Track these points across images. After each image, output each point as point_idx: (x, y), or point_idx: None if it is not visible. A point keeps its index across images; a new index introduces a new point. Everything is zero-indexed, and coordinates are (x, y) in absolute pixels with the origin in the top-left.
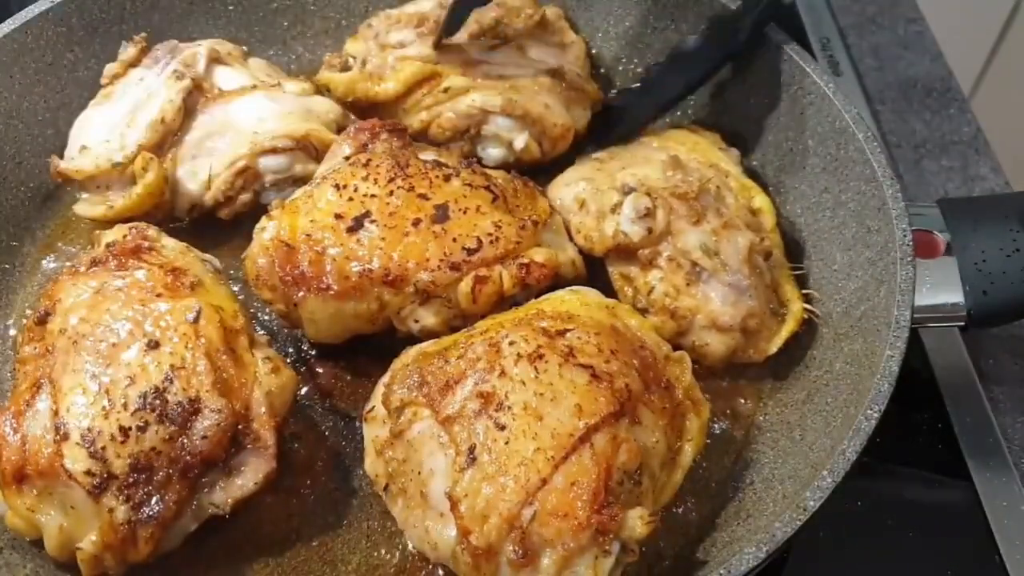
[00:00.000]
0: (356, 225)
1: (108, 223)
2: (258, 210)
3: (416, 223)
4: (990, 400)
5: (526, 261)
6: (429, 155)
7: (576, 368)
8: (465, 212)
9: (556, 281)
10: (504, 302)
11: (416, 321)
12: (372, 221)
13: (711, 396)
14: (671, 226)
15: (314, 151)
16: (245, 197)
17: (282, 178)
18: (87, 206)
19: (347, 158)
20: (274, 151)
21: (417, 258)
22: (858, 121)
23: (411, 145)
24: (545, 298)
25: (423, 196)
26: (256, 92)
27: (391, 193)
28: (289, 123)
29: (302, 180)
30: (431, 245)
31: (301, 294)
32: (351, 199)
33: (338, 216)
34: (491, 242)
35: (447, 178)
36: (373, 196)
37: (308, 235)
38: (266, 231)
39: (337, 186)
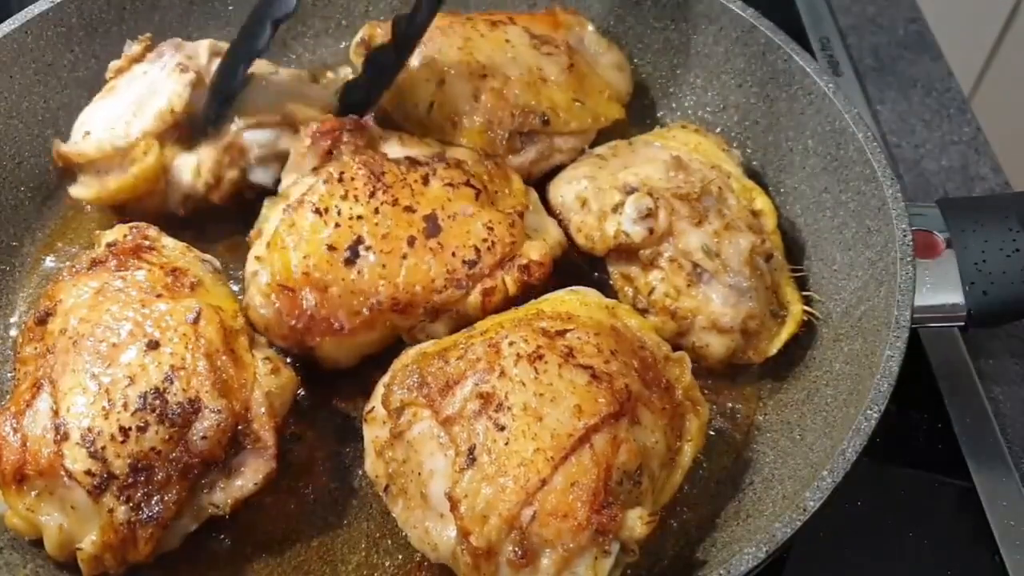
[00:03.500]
0: (352, 255)
1: (102, 204)
2: (246, 191)
3: (411, 242)
4: (990, 400)
5: (525, 262)
6: (395, 148)
7: (576, 368)
8: (454, 218)
9: (550, 272)
10: (509, 304)
11: (428, 336)
12: (367, 248)
13: (711, 396)
14: (673, 227)
15: (299, 128)
16: (232, 174)
17: (267, 153)
18: (82, 188)
19: (315, 169)
20: (259, 125)
21: (422, 281)
22: (858, 121)
23: (375, 140)
24: (545, 298)
25: (409, 209)
26: (251, 78)
27: (376, 211)
28: (277, 100)
29: (287, 156)
30: (432, 264)
31: (317, 340)
32: (338, 225)
33: (331, 248)
34: (488, 249)
35: (426, 180)
36: (359, 218)
37: (305, 274)
38: (260, 276)
39: (317, 210)
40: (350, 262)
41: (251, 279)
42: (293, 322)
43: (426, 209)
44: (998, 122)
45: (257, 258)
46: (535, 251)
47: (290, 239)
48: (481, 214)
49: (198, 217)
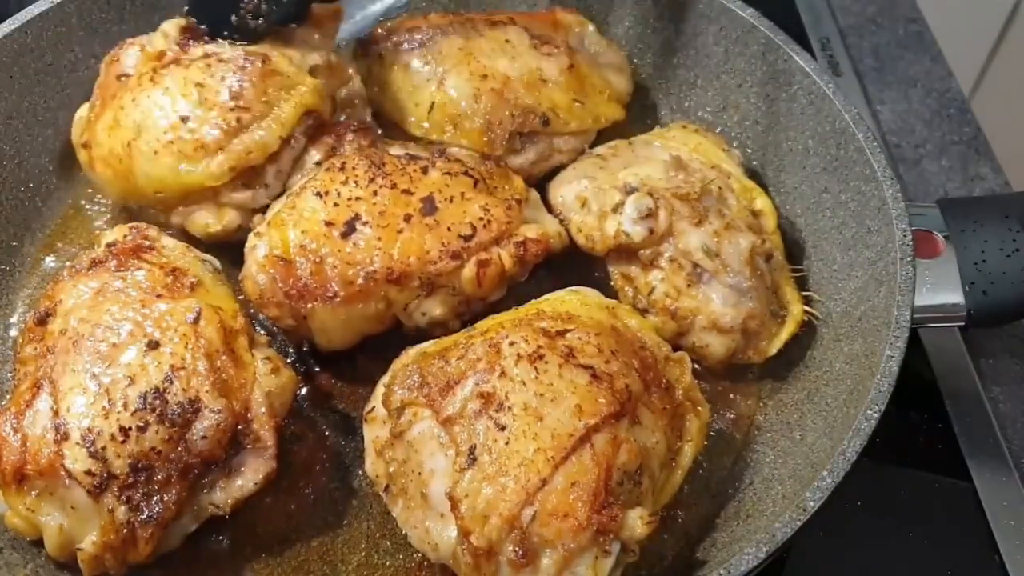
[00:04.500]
0: (348, 229)
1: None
2: None
3: (407, 218)
4: (990, 400)
5: (521, 239)
6: (398, 149)
7: (576, 368)
8: (451, 200)
9: (547, 255)
10: (504, 282)
11: (423, 314)
12: (364, 223)
13: (711, 397)
14: (673, 227)
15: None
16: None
17: None
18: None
19: (319, 163)
20: None
21: (417, 252)
22: (858, 121)
23: (378, 141)
24: (545, 298)
25: (407, 191)
26: None
27: (375, 193)
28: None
29: None
30: (427, 238)
31: (309, 306)
32: (336, 204)
33: (328, 223)
34: (484, 226)
35: (425, 170)
36: (358, 199)
37: (302, 246)
38: (258, 249)
39: (319, 193)
40: (346, 235)
41: (249, 253)
42: (287, 289)
43: (424, 192)
44: (998, 122)
45: (256, 234)
46: (532, 231)
47: (290, 218)
48: (478, 198)
49: None
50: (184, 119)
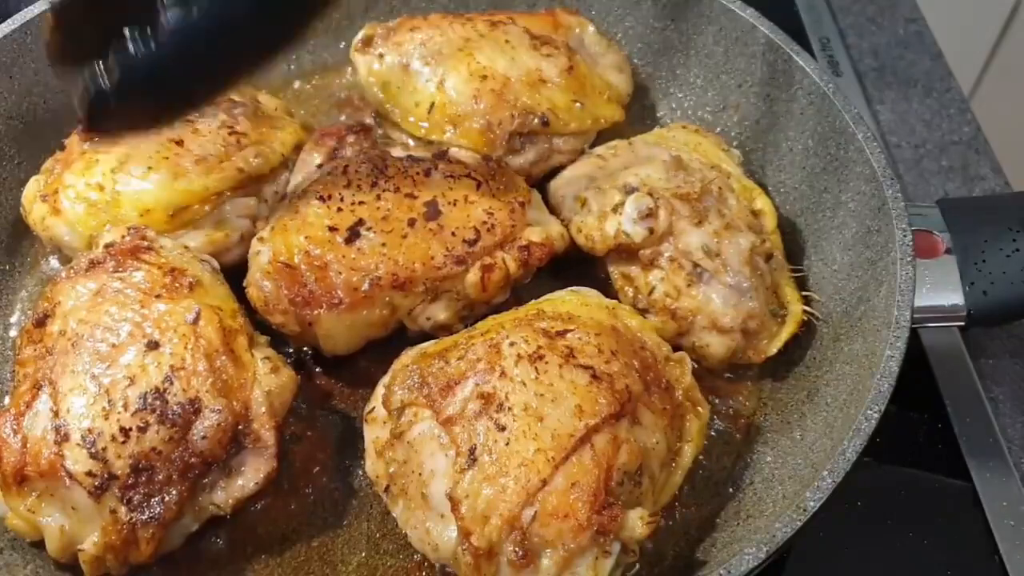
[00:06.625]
0: (352, 235)
1: None
2: None
3: (411, 223)
4: (990, 400)
5: (525, 243)
6: (399, 151)
7: (576, 369)
8: (455, 204)
9: (551, 257)
10: (509, 285)
11: (428, 318)
12: (368, 228)
13: (711, 397)
14: (673, 227)
15: None
16: None
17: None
18: None
19: (320, 166)
20: None
21: (422, 258)
22: (858, 121)
23: (379, 143)
24: (545, 298)
25: (410, 195)
26: None
27: (378, 197)
28: None
29: None
30: (432, 243)
31: (315, 313)
32: (340, 209)
33: (332, 228)
34: (488, 230)
35: (427, 172)
36: (361, 203)
37: (307, 252)
38: (261, 255)
39: (321, 197)
40: (350, 241)
41: (253, 259)
42: (292, 296)
43: (427, 196)
44: (998, 122)
45: (260, 239)
46: (536, 234)
47: (293, 223)
48: (482, 201)
49: None
50: (179, 142)
